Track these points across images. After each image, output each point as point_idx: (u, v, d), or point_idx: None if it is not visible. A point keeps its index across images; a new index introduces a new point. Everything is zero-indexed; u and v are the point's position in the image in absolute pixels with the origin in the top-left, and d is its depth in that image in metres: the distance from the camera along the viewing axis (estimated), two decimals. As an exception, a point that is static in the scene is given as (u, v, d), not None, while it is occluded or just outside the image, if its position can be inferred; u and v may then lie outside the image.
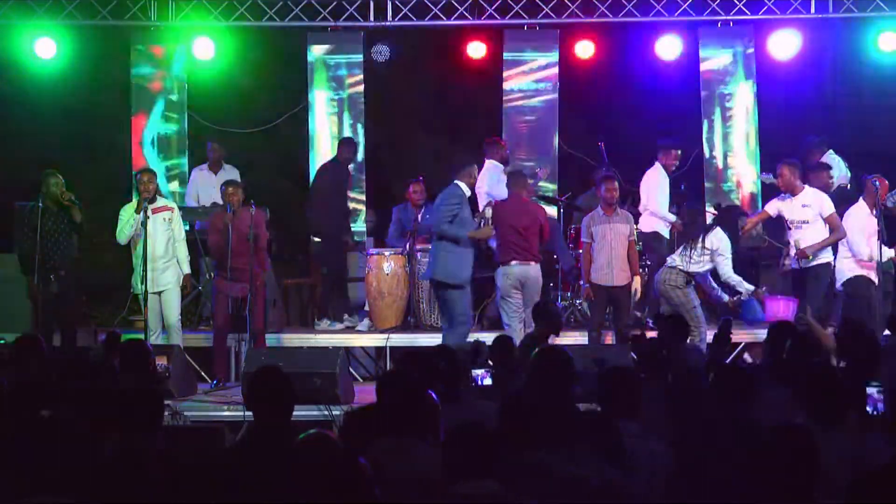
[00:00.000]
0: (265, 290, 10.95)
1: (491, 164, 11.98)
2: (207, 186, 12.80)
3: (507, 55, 12.98)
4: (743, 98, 12.89)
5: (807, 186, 10.61)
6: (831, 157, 12.15)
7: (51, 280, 10.66)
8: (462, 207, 10.28)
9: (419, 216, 12.20)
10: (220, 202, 12.38)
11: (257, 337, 10.73)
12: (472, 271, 10.41)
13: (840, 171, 12.13)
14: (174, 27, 12.81)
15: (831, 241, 10.53)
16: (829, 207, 10.53)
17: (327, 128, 13.08)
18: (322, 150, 13.08)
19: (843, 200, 11.99)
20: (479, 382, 9.69)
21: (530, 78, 13.02)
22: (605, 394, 5.64)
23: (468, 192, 10.37)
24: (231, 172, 12.92)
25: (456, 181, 10.41)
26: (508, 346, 8.07)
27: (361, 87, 13.02)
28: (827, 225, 10.50)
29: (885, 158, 12.27)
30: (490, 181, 11.66)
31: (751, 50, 12.81)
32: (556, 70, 12.96)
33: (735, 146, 12.92)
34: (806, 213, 10.49)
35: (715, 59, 12.90)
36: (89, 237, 12.43)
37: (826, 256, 10.59)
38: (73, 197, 10.75)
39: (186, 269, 10.96)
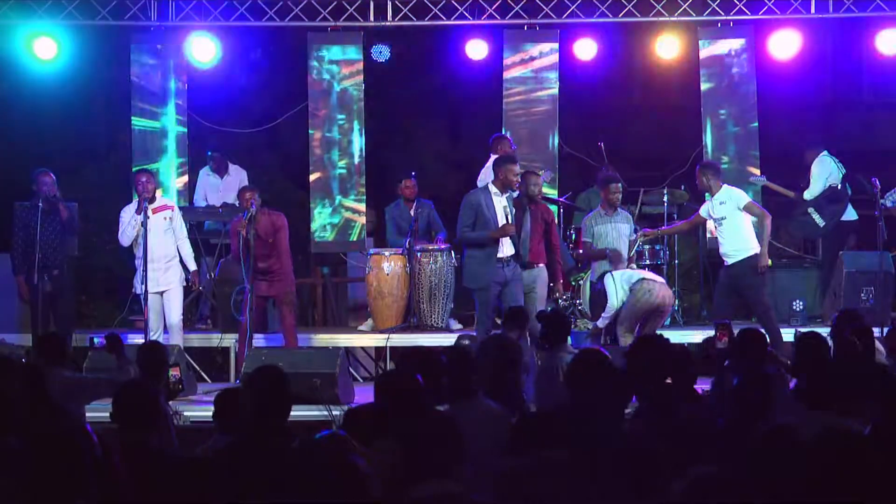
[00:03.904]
0: (294, 289, 11.02)
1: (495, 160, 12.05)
2: (214, 190, 12.87)
3: (507, 55, 12.97)
4: (742, 98, 12.87)
5: (724, 185, 10.88)
6: (824, 158, 12.28)
7: (44, 279, 10.67)
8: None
9: (413, 211, 12.20)
10: (226, 203, 12.50)
11: (288, 336, 10.80)
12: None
13: (832, 171, 12.23)
14: (174, 27, 12.80)
15: (768, 230, 10.78)
16: (743, 198, 10.84)
17: (327, 128, 13.05)
18: (322, 151, 13.07)
19: (834, 200, 12.14)
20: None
21: (530, 78, 13.00)
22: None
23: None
24: (237, 173, 12.94)
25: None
26: None
27: (361, 87, 13.01)
28: (748, 215, 10.77)
29: (885, 158, 12.31)
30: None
31: (750, 49, 12.79)
32: (556, 70, 12.95)
33: (734, 146, 12.90)
34: (722, 209, 10.76)
35: (714, 58, 12.87)
36: (88, 237, 12.46)
37: (747, 250, 10.74)
38: (58, 194, 10.78)
39: (193, 266, 10.96)
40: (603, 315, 10.69)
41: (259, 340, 11.13)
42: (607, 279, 10.69)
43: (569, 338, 8.96)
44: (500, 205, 10.30)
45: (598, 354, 5.85)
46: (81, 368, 9.31)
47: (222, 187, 12.87)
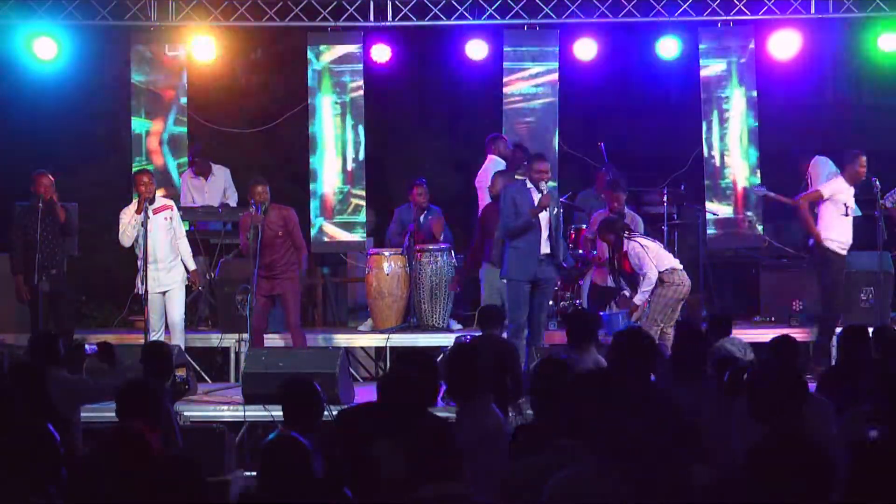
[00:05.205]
0: (299, 287, 11.02)
1: (493, 160, 12.05)
2: (199, 192, 12.89)
3: (507, 55, 12.97)
4: (741, 97, 12.87)
5: None
6: (820, 158, 12.47)
7: (42, 280, 10.68)
8: None
9: (420, 217, 12.20)
10: (213, 205, 12.50)
11: (294, 333, 10.79)
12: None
13: (830, 167, 12.37)
14: (174, 27, 12.79)
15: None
16: None
17: (328, 128, 13.05)
18: (322, 151, 13.05)
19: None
20: None
21: (530, 78, 13.00)
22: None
23: None
24: (221, 172, 12.97)
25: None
26: None
27: (361, 88, 13.01)
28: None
29: (885, 158, 12.30)
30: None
31: (751, 49, 12.79)
32: (556, 70, 12.95)
33: (732, 146, 12.91)
34: (852, 202, 11.21)
35: (714, 58, 12.87)
36: (88, 237, 12.46)
37: None
38: (55, 196, 10.79)
39: (192, 266, 10.96)
40: (641, 290, 10.33)
41: (268, 340, 11.12)
42: (638, 250, 10.34)
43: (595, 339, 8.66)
44: (536, 198, 10.23)
45: (559, 363, 5.73)
46: (82, 369, 9.30)
47: (207, 189, 12.87)
